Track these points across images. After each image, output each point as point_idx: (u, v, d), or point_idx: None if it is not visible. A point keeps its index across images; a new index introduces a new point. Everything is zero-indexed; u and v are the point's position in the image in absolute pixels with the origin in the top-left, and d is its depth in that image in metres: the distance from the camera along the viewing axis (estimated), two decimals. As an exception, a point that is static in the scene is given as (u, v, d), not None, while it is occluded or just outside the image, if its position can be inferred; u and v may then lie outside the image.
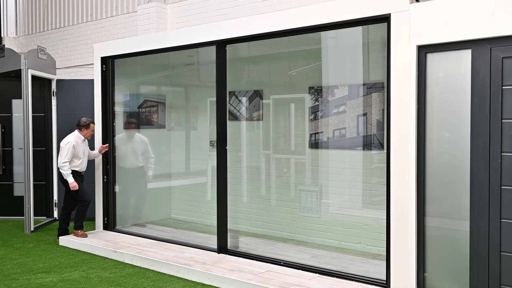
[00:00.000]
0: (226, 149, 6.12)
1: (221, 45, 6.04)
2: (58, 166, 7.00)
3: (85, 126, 7.11)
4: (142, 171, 7.79)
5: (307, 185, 6.62)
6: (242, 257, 5.87)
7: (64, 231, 7.17)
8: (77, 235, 7.00)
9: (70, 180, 6.90)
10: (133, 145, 7.76)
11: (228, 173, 6.22)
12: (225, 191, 6.15)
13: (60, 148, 7.04)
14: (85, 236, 7.02)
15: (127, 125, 7.77)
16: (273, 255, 5.92)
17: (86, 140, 7.21)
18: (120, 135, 7.66)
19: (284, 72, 6.92)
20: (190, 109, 8.05)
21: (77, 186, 6.93)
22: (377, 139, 5.73)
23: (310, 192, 6.47)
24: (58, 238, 7.10)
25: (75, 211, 7.12)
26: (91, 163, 7.62)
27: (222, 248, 6.09)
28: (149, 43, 6.88)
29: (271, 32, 5.55)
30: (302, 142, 6.58)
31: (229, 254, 6.01)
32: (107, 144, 7.34)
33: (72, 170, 6.97)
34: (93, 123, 7.22)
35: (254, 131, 7.03)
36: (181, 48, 6.51)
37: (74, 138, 7.04)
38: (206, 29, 6.20)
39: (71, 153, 6.94)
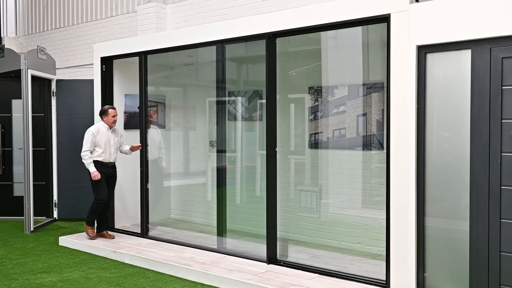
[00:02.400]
0: (276, 151, 5.67)
1: (271, 38, 5.58)
2: (81, 155, 6.78)
3: (104, 113, 6.83)
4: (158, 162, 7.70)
5: (307, 185, 6.62)
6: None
7: (100, 225, 7.02)
8: (86, 231, 6.92)
9: (91, 169, 6.68)
10: (152, 137, 7.47)
11: (227, 175, 6.18)
12: (275, 197, 5.68)
13: None
14: (94, 235, 6.89)
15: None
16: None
17: (115, 129, 6.94)
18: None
19: (284, 72, 6.93)
20: (189, 109, 8.05)
21: (99, 176, 6.68)
22: (377, 139, 5.74)
23: (310, 192, 6.47)
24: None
25: (90, 205, 6.93)
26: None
27: (272, 258, 5.64)
28: (151, 42, 6.88)
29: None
30: (302, 142, 6.58)
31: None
32: (140, 145, 6.98)
33: (95, 160, 6.72)
34: (113, 108, 6.90)
35: (253, 131, 7.03)
36: (230, 42, 6.05)
37: (96, 126, 6.84)
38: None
39: (91, 141, 6.69)
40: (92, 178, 6.71)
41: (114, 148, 6.91)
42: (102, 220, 7.02)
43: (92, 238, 6.86)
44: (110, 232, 7.11)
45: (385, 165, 4.78)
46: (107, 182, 6.91)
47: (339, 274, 5.18)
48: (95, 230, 7.01)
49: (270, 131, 5.65)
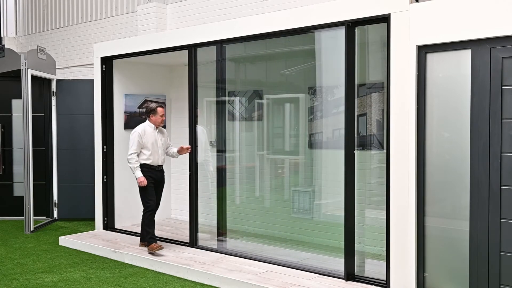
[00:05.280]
0: (354, 154, 5.14)
1: (350, 27, 5.06)
2: (127, 158, 6.25)
3: (152, 112, 6.27)
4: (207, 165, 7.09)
5: (307, 185, 6.62)
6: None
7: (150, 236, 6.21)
8: (152, 249, 6.07)
9: (138, 174, 6.10)
10: (198, 137, 6.79)
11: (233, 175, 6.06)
12: (353, 206, 5.15)
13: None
14: (161, 248, 6.10)
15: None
16: (273, 255, 5.92)
17: (161, 129, 6.42)
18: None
19: (284, 72, 6.92)
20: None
21: (145, 182, 6.09)
22: (377, 139, 5.73)
23: (310, 193, 6.47)
24: (147, 246, 6.20)
25: (141, 220, 6.31)
26: (89, 160, 7.57)
27: (350, 274, 5.09)
28: (150, 42, 6.88)
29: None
30: (302, 142, 6.58)
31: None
32: (189, 146, 6.39)
33: (142, 164, 6.16)
34: (161, 106, 6.34)
35: (252, 131, 7.02)
36: (304, 31, 5.50)
37: (142, 126, 6.25)
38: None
39: (137, 143, 6.11)
40: (138, 184, 6.15)
41: (162, 150, 6.36)
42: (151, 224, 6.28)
43: (160, 249, 6.09)
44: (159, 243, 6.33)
45: (385, 165, 4.79)
46: (155, 188, 6.32)
47: (339, 274, 5.18)
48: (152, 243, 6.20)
49: (348, 129, 5.09)
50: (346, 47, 5.06)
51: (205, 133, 7.08)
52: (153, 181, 6.24)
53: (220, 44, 6.21)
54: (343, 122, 5.13)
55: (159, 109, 6.29)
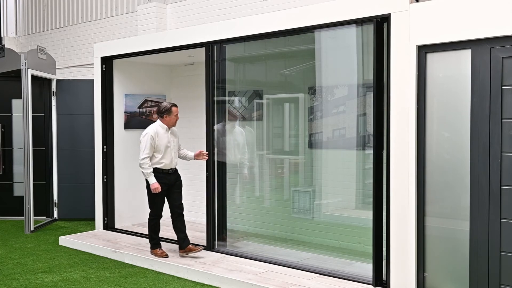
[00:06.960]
0: (382, 154, 4.89)
1: (379, 23, 4.87)
2: (138, 163, 5.88)
3: (166, 112, 5.87)
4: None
5: (307, 185, 6.62)
6: None
7: (155, 243, 6.09)
8: (155, 255, 5.99)
9: (151, 180, 5.76)
10: (235, 138, 6.58)
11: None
12: (381, 208, 4.91)
13: (140, 143, 5.91)
14: (166, 256, 5.94)
15: (229, 115, 6.58)
16: (273, 255, 5.92)
17: (173, 130, 6.05)
18: (219, 126, 6.38)
19: (284, 72, 6.92)
20: (189, 108, 8.04)
21: (159, 189, 5.78)
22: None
23: (310, 193, 6.47)
24: (153, 251, 6.07)
25: (148, 225, 6.14)
26: (88, 161, 7.56)
27: (379, 279, 4.93)
28: (153, 42, 6.88)
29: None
30: (302, 142, 6.58)
31: None
32: (207, 153, 6.13)
33: (154, 168, 5.84)
34: (176, 106, 5.96)
35: (252, 131, 7.02)
36: (325, 26, 5.32)
37: (154, 128, 5.85)
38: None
39: (150, 146, 5.74)
40: (152, 191, 5.83)
41: (175, 152, 6.01)
42: (181, 235, 6.01)
43: (164, 256, 5.95)
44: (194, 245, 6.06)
45: (385, 165, 4.79)
46: (170, 190, 6.01)
47: (339, 274, 5.18)
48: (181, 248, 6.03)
49: (377, 130, 4.92)
50: (376, 44, 4.86)
51: (244, 134, 6.72)
52: (165, 188, 5.93)
53: (242, 40, 6.11)
54: (344, 122, 5.13)
55: (174, 108, 5.92)
